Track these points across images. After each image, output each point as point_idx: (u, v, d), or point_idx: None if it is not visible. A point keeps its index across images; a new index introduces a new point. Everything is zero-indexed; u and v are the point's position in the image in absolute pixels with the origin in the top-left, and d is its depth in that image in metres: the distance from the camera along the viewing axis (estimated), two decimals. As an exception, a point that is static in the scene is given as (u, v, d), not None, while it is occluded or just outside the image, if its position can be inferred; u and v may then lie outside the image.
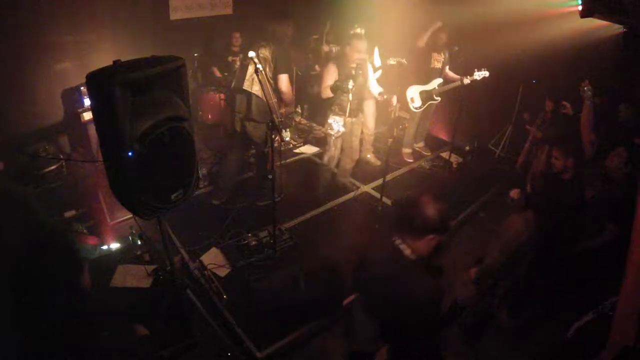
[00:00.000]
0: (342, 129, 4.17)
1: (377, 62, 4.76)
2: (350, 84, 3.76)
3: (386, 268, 1.73)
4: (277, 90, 3.75)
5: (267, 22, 3.76)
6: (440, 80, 4.88)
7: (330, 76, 3.98)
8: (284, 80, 3.75)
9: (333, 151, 4.32)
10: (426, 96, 4.94)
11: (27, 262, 1.61)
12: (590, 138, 3.29)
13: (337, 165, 4.55)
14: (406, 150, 5.47)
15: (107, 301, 2.68)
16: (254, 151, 4.51)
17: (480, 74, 4.62)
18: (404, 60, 4.40)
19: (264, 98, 3.65)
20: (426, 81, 4.90)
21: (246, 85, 3.77)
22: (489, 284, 2.69)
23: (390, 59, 4.27)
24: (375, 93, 4.32)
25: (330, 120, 4.17)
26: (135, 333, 2.00)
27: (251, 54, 3.25)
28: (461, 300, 2.89)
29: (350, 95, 3.83)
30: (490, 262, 2.62)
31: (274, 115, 3.09)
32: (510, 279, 2.66)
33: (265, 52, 3.69)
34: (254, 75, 3.69)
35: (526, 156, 4.68)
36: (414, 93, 4.92)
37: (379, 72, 4.66)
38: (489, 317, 2.97)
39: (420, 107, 4.99)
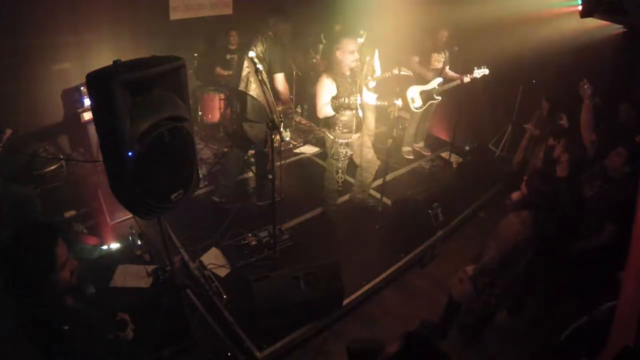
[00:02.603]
0: (350, 152, 3.80)
1: (378, 69, 4.62)
2: (359, 99, 3.51)
3: None
4: (273, 89, 3.64)
5: (268, 18, 3.67)
6: (440, 80, 4.87)
7: (327, 91, 3.49)
8: (279, 80, 3.67)
9: (340, 174, 3.90)
10: (426, 96, 4.94)
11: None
12: (591, 138, 3.29)
13: (354, 183, 4.30)
14: (406, 149, 5.48)
15: (107, 301, 2.67)
16: (254, 151, 4.51)
17: (480, 72, 4.58)
18: (410, 73, 4.35)
19: (259, 98, 3.63)
20: (426, 81, 4.90)
21: (242, 86, 3.72)
22: (486, 282, 2.69)
23: (403, 69, 4.15)
24: (372, 103, 4.13)
25: (336, 147, 3.68)
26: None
27: (251, 54, 3.24)
28: (457, 297, 2.89)
29: (359, 111, 3.58)
30: (487, 261, 2.62)
31: (274, 115, 3.09)
32: (507, 278, 2.67)
33: (258, 50, 3.59)
34: (249, 76, 3.64)
35: (523, 153, 4.69)
36: (414, 93, 4.92)
37: (374, 82, 4.43)
38: (489, 317, 2.97)
39: (420, 107, 4.98)
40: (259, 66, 3.12)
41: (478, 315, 2.94)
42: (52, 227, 1.75)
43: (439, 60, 4.90)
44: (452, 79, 4.88)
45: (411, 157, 5.43)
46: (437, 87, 4.88)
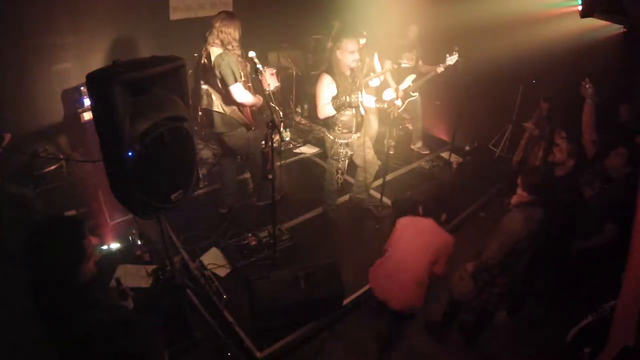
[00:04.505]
0: (350, 152, 3.77)
1: (378, 67, 4.59)
2: (360, 97, 3.46)
3: None
4: (235, 103, 3.44)
5: (213, 23, 3.36)
6: (413, 77, 4.79)
7: (327, 91, 3.44)
8: (237, 91, 3.33)
9: (340, 174, 3.90)
10: (403, 95, 4.90)
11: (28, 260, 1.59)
12: (592, 138, 3.28)
13: (353, 183, 4.27)
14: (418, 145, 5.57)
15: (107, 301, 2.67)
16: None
17: (452, 59, 4.38)
18: (410, 64, 4.31)
19: (226, 111, 3.50)
20: (399, 81, 4.82)
21: (204, 104, 3.52)
22: (486, 280, 2.69)
23: (404, 61, 4.08)
24: (372, 106, 4.05)
25: (336, 147, 3.66)
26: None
27: (251, 53, 3.23)
28: (458, 295, 2.89)
29: (361, 109, 3.52)
30: (488, 257, 2.61)
31: (274, 115, 3.08)
32: (507, 277, 2.66)
33: (205, 59, 3.36)
34: (210, 91, 3.49)
35: (523, 152, 4.69)
36: (390, 95, 4.91)
37: (378, 80, 4.39)
38: (489, 317, 2.97)
39: (399, 107, 4.99)
40: (259, 66, 3.12)
41: (478, 313, 2.94)
42: (77, 219, 1.71)
43: (410, 58, 4.85)
44: (426, 72, 4.74)
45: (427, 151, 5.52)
46: (411, 84, 4.80)
